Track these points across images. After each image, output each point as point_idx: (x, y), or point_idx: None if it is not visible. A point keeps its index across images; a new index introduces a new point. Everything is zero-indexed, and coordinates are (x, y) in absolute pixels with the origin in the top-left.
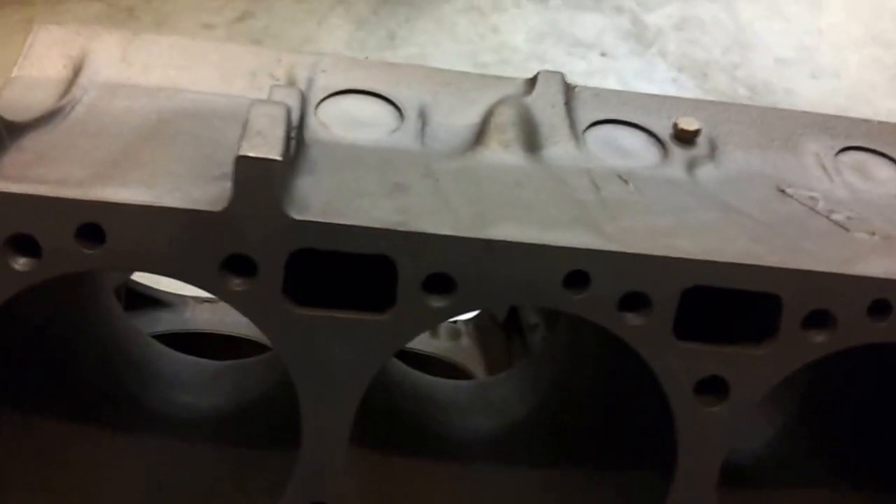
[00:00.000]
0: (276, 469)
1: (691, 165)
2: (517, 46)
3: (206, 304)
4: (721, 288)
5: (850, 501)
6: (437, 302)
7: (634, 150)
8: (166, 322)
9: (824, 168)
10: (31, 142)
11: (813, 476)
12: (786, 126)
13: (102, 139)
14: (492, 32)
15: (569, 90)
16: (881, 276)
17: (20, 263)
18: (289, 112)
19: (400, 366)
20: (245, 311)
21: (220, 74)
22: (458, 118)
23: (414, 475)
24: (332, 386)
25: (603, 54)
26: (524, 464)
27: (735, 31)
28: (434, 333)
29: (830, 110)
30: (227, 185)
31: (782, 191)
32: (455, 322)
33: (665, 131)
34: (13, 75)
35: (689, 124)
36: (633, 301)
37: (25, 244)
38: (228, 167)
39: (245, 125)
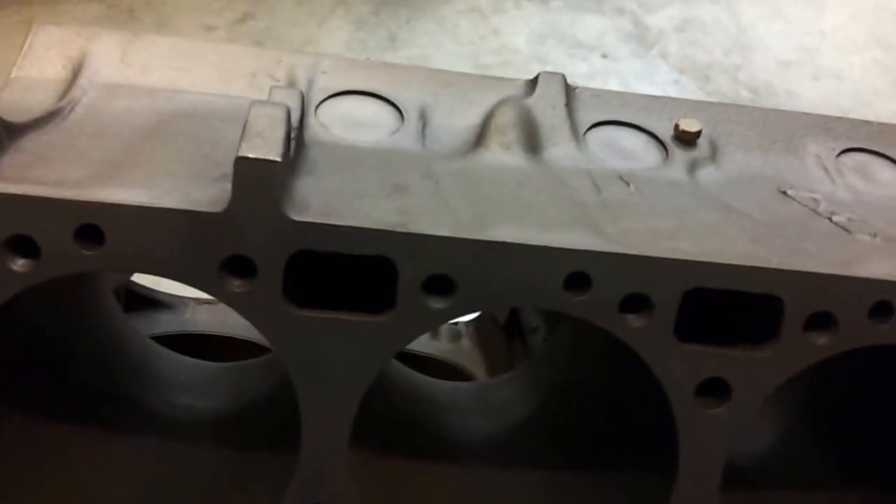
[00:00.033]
0: (276, 471)
1: (692, 167)
2: (518, 48)
3: (205, 305)
4: (722, 290)
5: (852, 503)
6: (437, 303)
7: (635, 151)
8: (166, 323)
9: (826, 170)
10: (30, 143)
11: (816, 478)
12: (787, 127)
13: (102, 140)
14: (493, 34)
15: (570, 91)
16: (883, 277)
17: (19, 264)
18: (289, 113)
19: (400, 367)
20: (244, 312)
21: (220, 75)
22: (458, 119)
23: (414, 477)
24: (332, 388)
25: (604, 56)
26: (525, 466)
27: (737, 33)
28: (434, 335)
29: (832, 112)
30: (227, 186)
31: (783, 192)
32: (456, 324)
33: (666, 133)
34: (12, 76)
35: (690, 126)
36: (634, 303)
37: (24, 245)
38: (228, 168)
39: (245, 126)
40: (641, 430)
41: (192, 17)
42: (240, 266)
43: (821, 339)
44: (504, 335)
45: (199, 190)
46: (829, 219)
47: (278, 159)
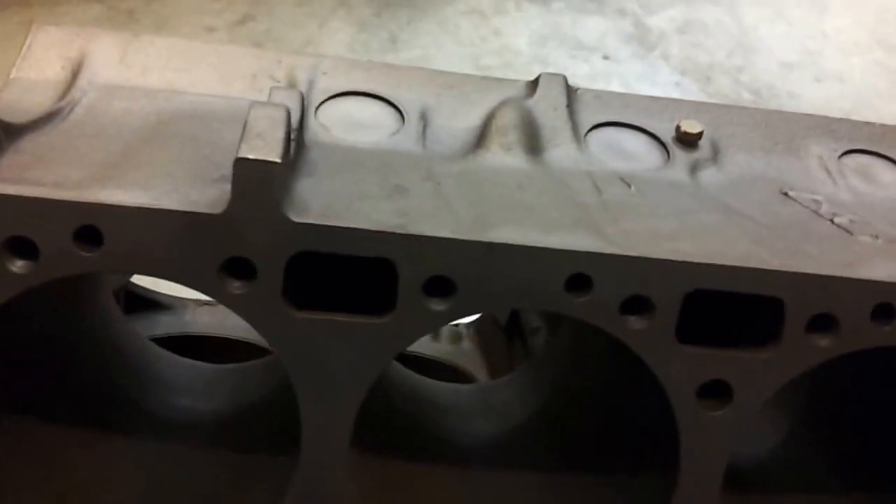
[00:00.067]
0: (276, 473)
1: (694, 168)
2: (519, 49)
3: (205, 307)
4: (724, 291)
5: None
6: (437, 305)
7: (637, 152)
8: (166, 325)
9: (828, 171)
10: (29, 143)
11: (818, 480)
12: (789, 129)
13: (101, 141)
14: (494, 35)
15: (571, 93)
16: (885, 279)
17: (18, 266)
18: (288, 114)
19: (401, 369)
20: (244, 314)
21: (220, 76)
22: (459, 121)
23: (415, 479)
24: (332, 390)
25: (605, 57)
26: (526, 468)
27: (738, 35)
28: (435, 337)
29: (834, 114)
30: (227, 188)
31: (785, 194)
32: (457, 325)
33: (667, 134)
34: (11, 77)
35: (691, 127)
36: (636, 304)
37: (23, 246)
38: (228, 169)
39: (244, 127)
40: (643, 431)
41: (192, 18)
42: (239, 267)
43: (822, 341)
44: (505, 337)
45: (198, 191)
46: (831, 220)
47: (278, 160)
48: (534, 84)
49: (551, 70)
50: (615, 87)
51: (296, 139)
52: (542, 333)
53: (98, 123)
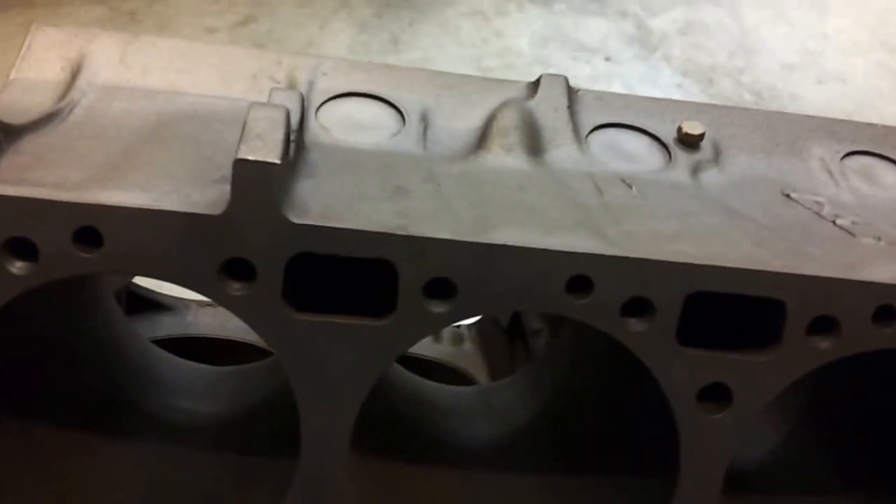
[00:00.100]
0: (277, 476)
1: (695, 169)
2: (521, 51)
3: (208, 308)
4: (725, 293)
5: None
6: (437, 307)
7: (638, 153)
8: (168, 326)
9: (830, 172)
10: (28, 144)
11: (818, 483)
12: (791, 130)
13: (101, 142)
14: (495, 36)
15: (572, 94)
16: (887, 281)
17: (17, 267)
18: (288, 115)
19: (401, 371)
20: (244, 316)
21: (220, 77)
22: (460, 122)
23: (415, 482)
24: (332, 392)
25: (607, 59)
26: (527, 470)
27: (740, 36)
28: (437, 338)
29: (836, 115)
30: (227, 189)
31: (787, 195)
32: (458, 327)
33: (669, 135)
34: (11, 77)
35: (693, 128)
36: (636, 306)
37: (22, 247)
38: (228, 170)
39: (244, 128)
40: (643, 434)
41: (194, 19)
42: (239, 269)
43: (823, 344)
44: (506, 338)
45: (198, 192)
46: (833, 222)
47: (277, 161)
48: (535, 85)
49: (553, 71)
50: (617, 88)
51: (296, 140)
52: (544, 335)
53: (98, 124)
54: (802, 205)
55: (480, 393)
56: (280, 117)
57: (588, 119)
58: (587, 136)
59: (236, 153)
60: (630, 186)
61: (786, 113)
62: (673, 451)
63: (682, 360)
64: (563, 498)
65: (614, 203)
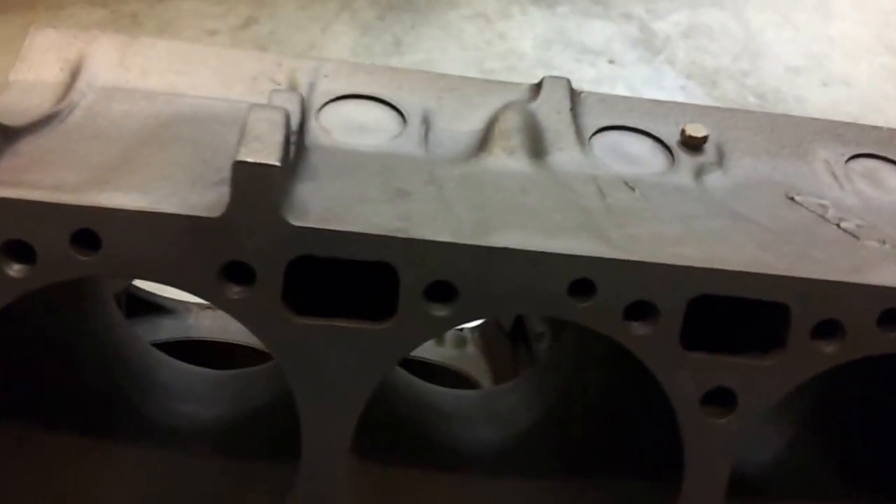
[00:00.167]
0: (277, 481)
1: (699, 172)
2: (524, 53)
3: (208, 311)
4: (729, 297)
5: None
6: (439, 311)
7: (641, 156)
8: (169, 329)
9: (834, 175)
10: (27, 146)
11: (823, 487)
12: (795, 133)
13: (100, 143)
14: (499, 39)
15: (574, 96)
16: (892, 285)
17: (15, 270)
18: (288, 117)
19: (403, 374)
20: (243, 319)
21: (220, 79)
22: (461, 124)
23: (417, 486)
24: (333, 397)
25: (611, 61)
26: (530, 475)
27: (744, 39)
28: (439, 341)
29: (841, 118)
30: (226, 191)
31: (791, 198)
32: (461, 330)
33: (672, 138)
34: (10, 79)
35: (696, 131)
36: (640, 310)
37: (20, 250)
38: (227, 172)
39: (243, 130)
40: (647, 438)
41: (195, 21)
42: (238, 272)
43: (828, 348)
44: (509, 341)
45: (197, 194)
46: (838, 225)
47: (277, 164)
48: (537, 87)
49: (556, 74)
50: (621, 91)
51: (296, 142)
52: (547, 338)
53: (97, 126)
54: (807, 208)
55: (483, 397)
56: (280, 119)
57: (591, 121)
58: (590, 138)
59: (235, 155)
60: (633, 189)
61: (790, 115)
62: (677, 456)
63: (686, 364)
64: (566, 502)
65: (617, 206)
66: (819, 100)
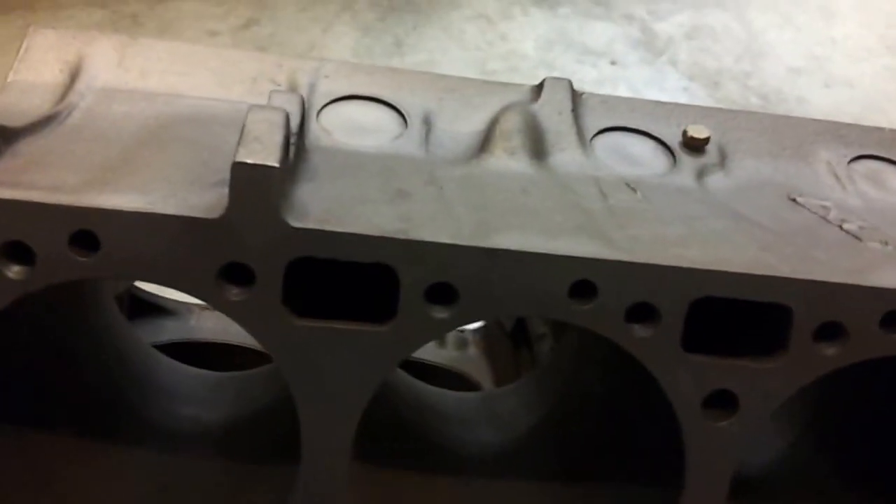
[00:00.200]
0: (278, 483)
1: (701, 173)
2: (526, 54)
3: (211, 312)
4: (731, 299)
5: None
6: (439, 313)
7: (643, 157)
8: (171, 331)
9: (837, 177)
10: (26, 147)
11: (824, 489)
12: (797, 134)
13: (99, 144)
14: (500, 40)
15: (576, 97)
16: (894, 286)
17: (14, 271)
18: (287, 118)
19: (404, 376)
20: (243, 321)
21: (220, 80)
22: (462, 125)
23: (417, 489)
24: (333, 399)
25: (613, 63)
26: (530, 477)
27: (747, 40)
28: (441, 343)
29: (844, 120)
30: (225, 192)
31: (793, 199)
32: (462, 331)
33: (674, 139)
34: (9, 79)
35: (698, 132)
36: (641, 312)
37: (19, 251)
38: (226, 173)
39: (242, 131)
40: (648, 441)
41: (196, 22)
42: (238, 273)
43: (830, 350)
44: (511, 343)
45: (196, 195)
46: (840, 226)
47: (276, 165)
48: (538, 88)
49: (558, 75)
50: (623, 92)
51: (296, 143)
52: (548, 340)
53: (96, 127)
54: (809, 209)
55: (484, 399)
56: (279, 120)
57: (592, 122)
58: (591, 139)
59: (234, 156)
60: (634, 190)
61: (792, 117)
62: (678, 458)
63: (688, 366)
64: None
65: (619, 207)
66: (821, 101)
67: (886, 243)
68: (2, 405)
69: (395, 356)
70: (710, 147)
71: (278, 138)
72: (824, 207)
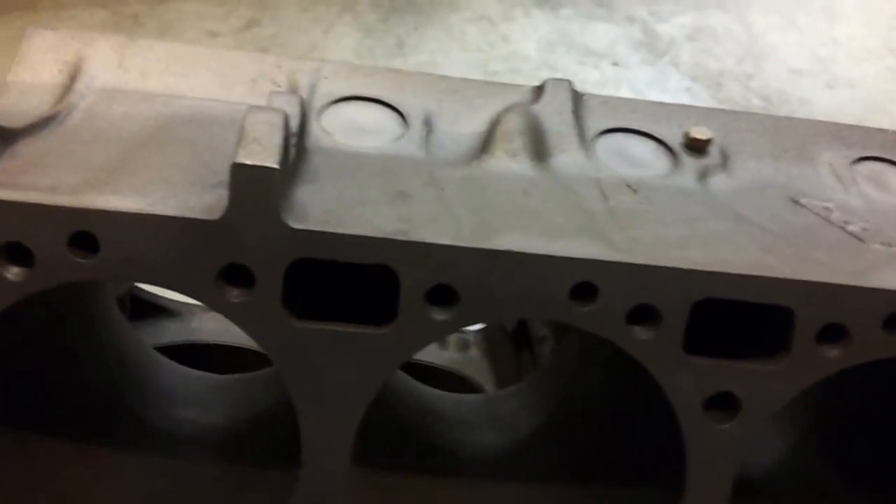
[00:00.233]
0: (278, 487)
1: (703, 175)
2: (527, 55)
3: (213, 313)
4: (732, 301)
5: None
6: (440, 315)
7: (644, 158)
8: (173, 332)
9: (839, 178)
10: (25, 148)
11: (826, 491)
12: (799, 135)
13: (98, 145)
14: (502, 41)
15: (577, 98)
16: None
17: (13, 273)
18: (287, 119)
19: (405, 378)
20: (243, 323)
21: (220, 81)
22: (463, 126)
23: (418, 491)
24: (333, 402)
25: (615, 64)
26: (532, 480)
27: (748, 42)
28: (442, 344)
29: (847, 121)
30: (224, 193)
31: (796, 201)
32: (464, 332)
33: (676, 140)
34: (7, 80)
35: (700, 133)
36: (642, 314)
37: (18, 253)
38: (226, 175)
39: (241, 132)
40: (650, 443)
41: (197, 23)
42: (238, 275)
43: (833, 352)
44: (512, 345)
45: (196, 197)
46: (843, 228)
47: (276, 166)
48: (539, 89)
49: (560, 76)
50: (625, 93)
51: (296, 144)
52: (549, 342)
53: (95, 128)
54: (811, 210)
55: (485, 401)
56: (278, 121)
57: (594, 124)
58: (593, 140)
59: (234, 157)
60: (636, 192)
61: (795, 118)
62: (680, 461)
63: (689, 368)
64: None
65: (620, 208)
66: (824, 102)
67: (889, 245)
68: (2, 406)
69: (395, 358)
70: (712, 148)
71: (277, 139)
72: (826, 209)
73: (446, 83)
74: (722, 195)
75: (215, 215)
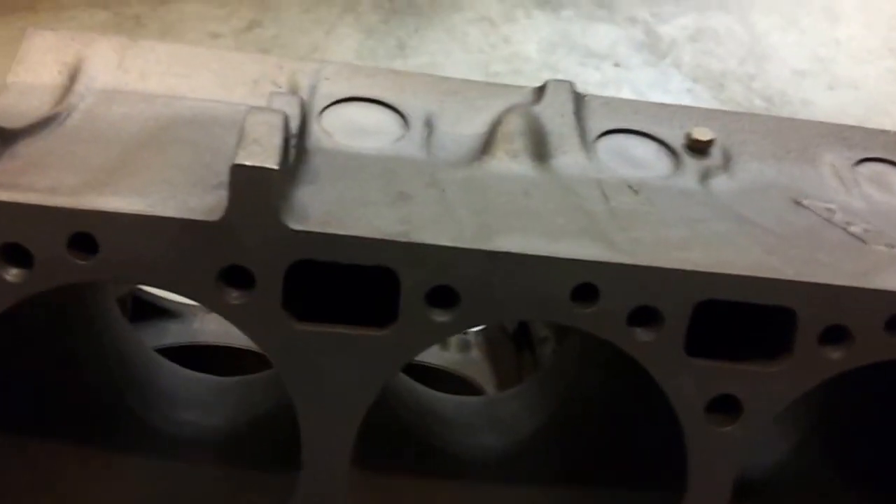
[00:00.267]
0: (279, 489)
1: (704, 176)
2: (529, 56)
3: (214, 314)
4: (734, 302)
5: None
6: (440, 316)
7: (646, 159)
8: (174, 334)
9: (841, 179)
10: (24, 149)
11: (828, 492)
12: (802, 136)
13: (98, 146)
14: (503, 42)
15: (578, 99)
16: None
17: (12, 274)
18: (287, 120)
19: (406, 380)
20: (242, 325)
21: (221, 82)
22: (464, 127)
23: (419, 493)
24: (333, 404)
25: (616, 65)
26: (533, 482)
27: (750, 43)
28: (444, 345)
29: (848, 122)
30: (224, 195)
31: (798, 202)
32: (465, 334)
33: (677, 141)
34: (7, 81)
35: (702, 134)
36: (643, 316)
37: (17, 254)
38: (226, 176)
39: (241, 133)
40: (651, 445)
41: (198, 24)
42: (238, 277)
43: (835, 354)
44: (513, 346)
45: (195, 198)
46: (845, 229)
47: (275, 167)
48: (540, 90)
49: (561, 77)
50: (626, 94)
51: (296, 145)
52: (550, 343)
53: (95, 128)
54: (814, 212)
55: (486, 402)
56: (278, 122)
57: (595, 125)
58: (594, 141)
59: (234, 158)
60: (637, 193)
61: (797, 119)
62: (681, 463)
63: (691, 371)
64: None
65: (621, 209)
66: (825, 103)
67: (891, 246)
68: (2, 407)
69: (395, 360)
70: (714, 149)
71: (277, 140)
72: (829, 210)
73: (447, 84)
74: (724, 196)
75: (215, 216)
